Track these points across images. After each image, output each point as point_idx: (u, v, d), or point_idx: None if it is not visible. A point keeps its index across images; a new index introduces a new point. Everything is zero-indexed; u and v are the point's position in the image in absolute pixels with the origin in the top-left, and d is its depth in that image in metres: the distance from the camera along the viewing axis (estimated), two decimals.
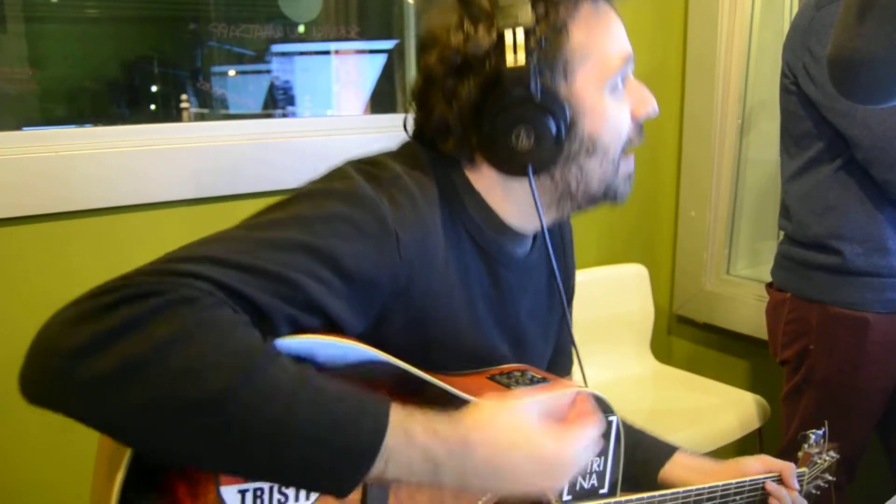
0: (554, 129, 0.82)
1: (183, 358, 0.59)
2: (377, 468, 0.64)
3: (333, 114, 2.00)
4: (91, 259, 1.41)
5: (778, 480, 1.06)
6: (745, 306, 2.23)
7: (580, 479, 0.92)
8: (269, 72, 1.86)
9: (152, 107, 1.74)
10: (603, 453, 0.94)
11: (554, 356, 1.10)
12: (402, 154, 0.89)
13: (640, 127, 0.92)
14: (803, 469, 1.11)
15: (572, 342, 0.98)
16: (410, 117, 0.92)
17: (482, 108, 0.83)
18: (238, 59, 1.82)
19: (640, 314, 2.22)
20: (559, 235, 1.09)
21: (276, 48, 1.84)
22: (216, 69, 1.79)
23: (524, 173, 0.85)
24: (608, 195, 0.91)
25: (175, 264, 0.65)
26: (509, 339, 0.97)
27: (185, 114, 1.74)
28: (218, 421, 0.59)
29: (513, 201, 0.90)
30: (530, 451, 0.73)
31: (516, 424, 0.73)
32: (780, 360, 1.65)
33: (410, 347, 0.83)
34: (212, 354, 0.60)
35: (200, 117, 1.76)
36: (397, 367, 0.77)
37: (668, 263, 2.45)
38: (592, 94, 0.86)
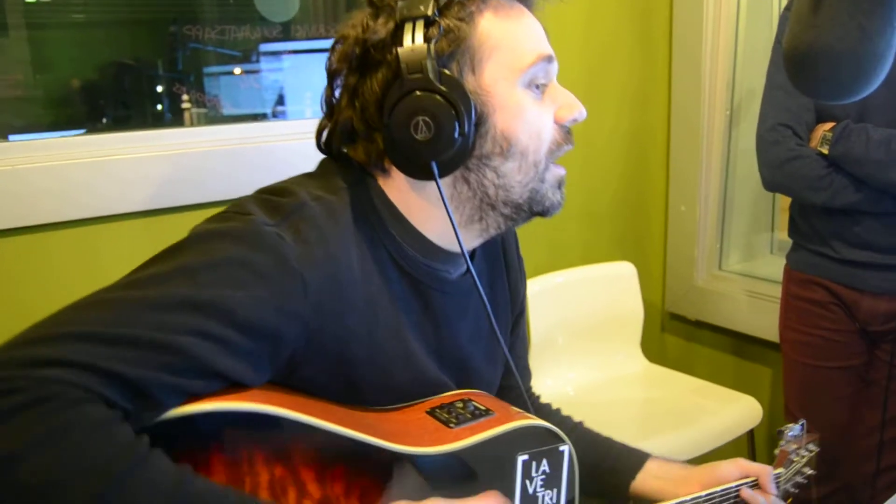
0: (456, 119, 0.76)
1: (37, 472, 0.54)
2: None
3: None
4: (71, 270, 1.38)
5: (755, 485, 1.02)
6: (737, 302, 2.19)
7: None
8: (258, 72, 1.82)
9: (129, 111, 1.71)
10: (555, 485, 0.89)
11: (508, 377, 1.04)
12: (315, 175, 0.84)
13: (568, 132, 0.86)
14: (780, 470, 1.07)
15: (512, 364, 0.92)
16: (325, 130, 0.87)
17: (384, 103, 0.78)
18: (224, 61, 1.78)
19: (629, 313, 2.17)
20: (500, 248, 1.02)
21: (267, 48, 1.80)
22: (209, 70, 1.75)
23: (429, 174, 0.78)
24: (535, 205, 0.85)
25: (35, 349, 0.59)
26: (450, 366, 0.92)
27: (186, 115, 1.71)
28: None
29: (434, 217, 0.84)
30: None
31: None
32: None
33: (337, 388, 0.79)
34: (70, 466, 0.55)
35: (188, 121, 1.72)
36: (304, 424, 0.71)
37: (660, 260, 2.40)
38: (504, 88, 0.81)
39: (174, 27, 1.72)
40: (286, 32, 1.82)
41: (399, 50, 0.76)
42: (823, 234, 1.56)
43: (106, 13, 1.67)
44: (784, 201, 2.21)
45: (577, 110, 0.85)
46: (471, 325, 0.94)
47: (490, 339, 0.97)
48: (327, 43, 1.92)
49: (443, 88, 0.76)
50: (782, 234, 2.35)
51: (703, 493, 0.98)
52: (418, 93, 0.76)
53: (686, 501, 0.97)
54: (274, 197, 0.77)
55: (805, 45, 0.85)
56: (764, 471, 1.01)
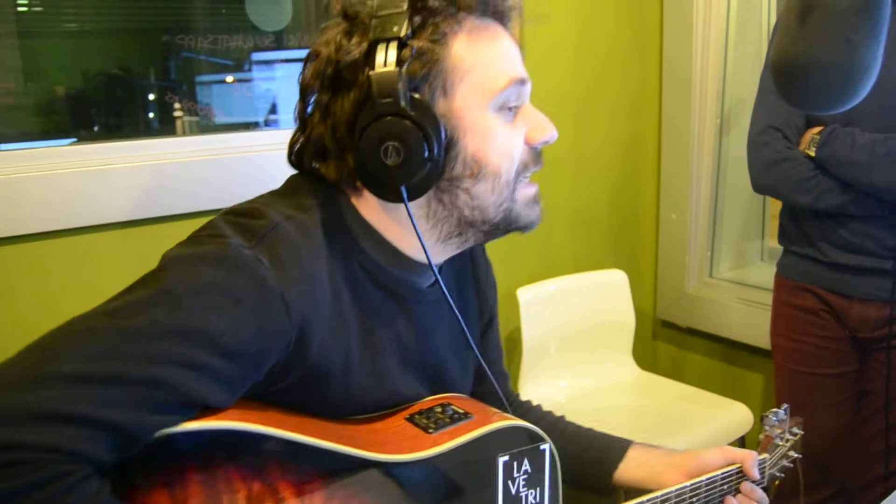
0: (426, 145, 0.76)
1: None
2: None
3: None
4: (63, 279, 1.37)
5: (739, 471, 1.02)
6: (728, 309, 2.20)
7: None
8: (250, 80, 1.82)
9: (118, 120, 1.71)
10: (538, 484, 0.89)
11: (482, 383, 1.04)
12: (283, 193, 0.84)
13: (538, 154, 0.86)
14: (764, 455, 1.07)
15: (486, 367, 0.92)
16: (295, 144, 0.87)
17: (355, 124, 0.78)
18: (216, 70, 1.78)
19: (620, 321, 2.17)
20: (467, 253, 1.02)
21: (259, 56, 1.80)
22: (201, 79, 1.75)
23: (399, 197, 0.78)
24: (511, 223, 0.86)
25: (24, 395, 0.59)
26: (427, 377, 0.92)
27: (178, 124, 1.70)
28: None
29: (406, 234, 0.84)
30: None
31: None
32: None
33: (311, 402, 0.79)
34: None
35: (180, 130, 1.72)
36: (279, 440, 0.71)
37: (651, 268, 2.41)
38: (475, 112, 0.80)
39: (167, 36, 1.72)
40: (278, 41, 1.83)
41: (371, 73, 0.76)
42: (811, 237, 1.57)
43: (98, 22, 1.67)
44: (774, 208, 2.22)
45: (548, 132, 0.85)
46: (445, 334, 0.94)
47: (462, 349, 0.97)
48: None
49: (413, 114, 0.76)
50: (773, 242, 2.36)
51: (689, 483, 0.98)
52: (388, 118, 0.76)
53: (671, 493, 0.97)
54: (244, 219, 0.76)
55: (792, 57, 0.86)
56: (748, 456, 1.02)
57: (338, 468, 0.74)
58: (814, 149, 1.49)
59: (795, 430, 1.13)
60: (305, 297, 0.74)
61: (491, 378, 0.93)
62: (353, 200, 0.84)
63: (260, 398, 0.75)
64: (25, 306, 1.33)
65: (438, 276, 0.83)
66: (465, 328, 0.87)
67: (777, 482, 1.11)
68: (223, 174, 1.52)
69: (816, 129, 1.50)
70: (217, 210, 1.47)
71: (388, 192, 0.79)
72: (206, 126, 1.74)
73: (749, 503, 1.01)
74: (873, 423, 1.58)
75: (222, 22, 1.77)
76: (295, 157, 0.87)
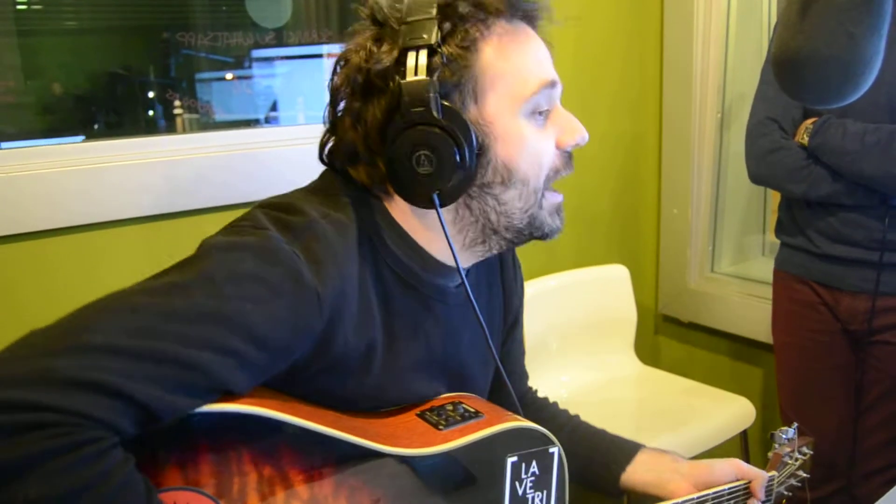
0: (457, 153, 0.77)
1: None
2: None
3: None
4: (66, 277, 1.37)
5: (746, 488, 1.01)
6: (730, 304, 2.20)
7: None
8: (250, 78, 1.82)
9: (118, 117, 1.71)
10: (545, 487, 0.89)
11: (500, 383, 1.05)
12: (318, 190, 0.84)
13: (569, 157, 0.86)
14: (773, 473, 1.07)
15: (503, 371, 0.92)
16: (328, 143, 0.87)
17: (386, 131, 0.78)
18: (217, 67, 1.78)
19: (622, 316, 2.17)
20: (497, 260, 1.03)
21: (259, 53, 1.80)
22: (201, 76, 1.75)
23: (431, 204, 0.79)
24: (535, 231, 0.86)
25: (59, 360, 0.58)
26: (449, 377, 0.93)
27: (178, 121, 1.70)
28: None
29: (436, 239, 0.85)
30: None
31: None
32: None
33: (328, 394, 0.79)
34: None
35: (180, 127, 1.72)
36: (293, 426, 0.72)
37: (653, 263, 2.41)
38: (506, 118, 0.80)
39: (167, 34, 1.72)
40: (279, 38, 1.82)
41: (402, 82, 0.76)
42: (803, 226, 1.59)
43: (98, 20, 1.67)
44: (774, 203, 2.23)
45: (578, 135, 0.84)
46: (470, 334, 0.94)
47: (484, 348, 0.98)
48: (319, 49, 1.92)
49: (445, 122, 0.76)
50: (773, 236, 2.36)
51: (696, 495, 0.98)
52: (420, 127, 0.76)
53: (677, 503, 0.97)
54: (283, 214, 0.77)
55: (793, 51, 0.86)
56: (759, 476, 1.01)
57: (348, 458, 0.75)
58: (807, 138, 1.50)
59: (805, 449, 1.12)
60: (337, 295, 0.74)
61: (507, 382, 0.93)
62: (385, 202, 0.84)
63: (277, 387, 0.76)
64: (29, 304, 1.33)
65: (465, 280, 0.84)
66: (488, 333, 0.88)
67: (784, 501, 1.11)
68: (224, 171, 1.52)
69: (811, 120, 1.51)
70: (219, 207, 1.50)
71: (420, 200, 0.80)
72: (207, 123, 1.74)
73: None
74: (870, 416, 1.58)
75: (222, 19, 1.77)
76: (326, 157, 0.88)
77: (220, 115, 1.77)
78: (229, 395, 0.69)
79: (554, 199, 0.87)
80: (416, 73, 0.75)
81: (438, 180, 0.77)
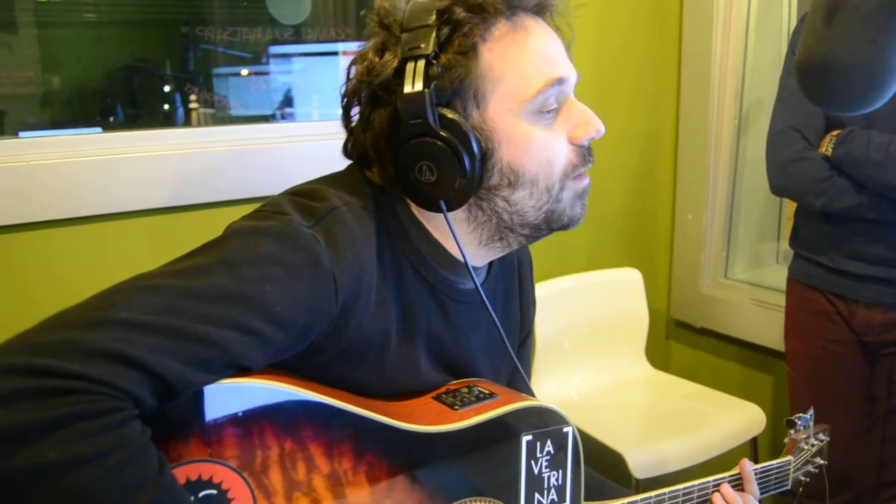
0: (457, 162, 0.77)
1: (78, 484, 0.57)
2: None
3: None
4: (79, 267, 1.38)
5: (738, 481, 1.03)
6: (743, 311, 2.18)
7: (538, 495, 0.89)
8: (267, 73, 1.83)
9: (139, 110, 1.72)
10: (560, 466, 0.89)
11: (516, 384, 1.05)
12: (343, 180, 0.85)
13: (587, 150, 0.84)
14: (789, 457, 1.09)
15: (522, 372, 0.94)
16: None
17: (391, 139, 0.79)
18: (234, 63, 1.79)
19: (634, 320, 2.16)
20: (515, 265, 1.03)
21: (276, 50, 1.81)
22: (218, 71, 1.76)
23: (439, 209, 0.80)
24: (553, 224, 0.85)
25: (89, 333, 0.60)
26: (456, 374, 0.93)
27: (193, 115, 1.71)
28: None
29: (451, 236, 0.85)
30: None
31: None
32: None
33: (342, 377, 0.80)
34: (106, 486, 0.58)
35: (196, 121, 1.73)
36: (313, 402, 0.74)
37: (666, 267, 2.39)
38: (509, 120, 0.80)
39: (186, 28, 1.73)
40: (297, 35, 1.83)
41: (400, 95, 0.76)
42: (820, 243, 1.57)
43: (117, 13, 1.68)
44: (790, 210, 2.21)
45: (592, 129, 0.83)
46: (482, 338, 0.95)
47: (496, 355, 0.98)
48: (337, 46, 1.92)
49: (443, 134, 0.76)
50: (788, 245, 2.35)
51: (681, 486, 0.99)
52: (419, 139, 0.77)
53: (664, 495, 0.98)
54: (306, 200, 0.78)
55: (818, 57, 0.85)
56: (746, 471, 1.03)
57: (367, 434, 0.77)
58: (831, 149, 1.48)
59: (822, 436, 1.14)
60: (353, 280, 0.76)
61: (527, 382, 0.94)
62: (406, 198, 0.85)
63: (296, 370, 0.77)
64: (40, 293, 1.35)
65: (477, 281, 0.84)
66: (504, 335, 0.88)
67: (801, 487, 1.11)
68: (239, 165, 1.53)
69: (836, 132, 1.49)
70: (231, 201, 1.50)
71: (427, 205, 0.81)
72: (222, 118, 1.75)
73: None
74: (886, 428, 1.57)
75: (241, 14, 1.78)
76: (348, 153, 0.89)
77: (235, 111, 1.78)
78: (245, 371, 0.70)
79: (578, 185, 0.85)
80: (413, 85, 0.76)
81: (442, 189, 0.78)
